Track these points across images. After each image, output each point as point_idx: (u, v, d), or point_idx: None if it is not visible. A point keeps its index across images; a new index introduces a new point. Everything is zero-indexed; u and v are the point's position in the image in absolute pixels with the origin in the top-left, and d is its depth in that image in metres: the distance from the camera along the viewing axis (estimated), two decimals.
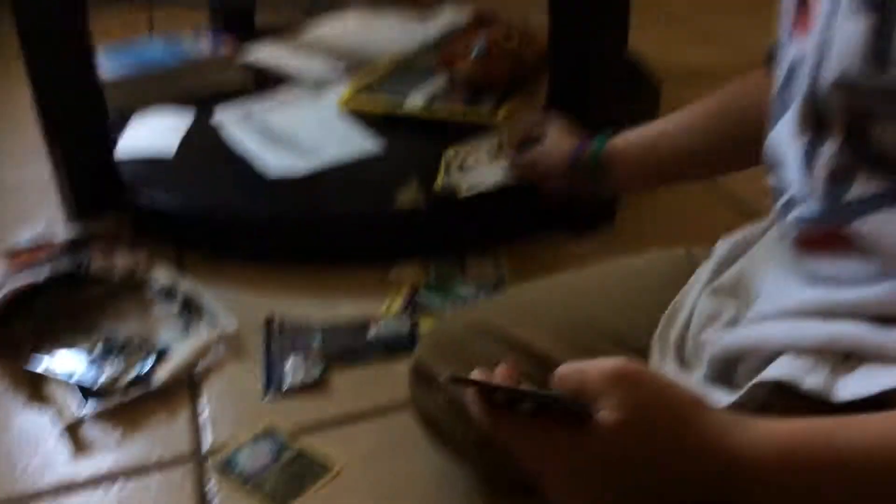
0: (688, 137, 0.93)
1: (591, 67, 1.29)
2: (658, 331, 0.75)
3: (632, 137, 1.00)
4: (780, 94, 0.65)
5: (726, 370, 0.65)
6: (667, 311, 0.76)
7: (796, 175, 0.60)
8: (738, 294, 0.71)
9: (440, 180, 1.34)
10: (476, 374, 0.57)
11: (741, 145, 0.84)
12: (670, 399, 0.50)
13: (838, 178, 0.56)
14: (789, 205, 0.62)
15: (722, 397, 0.62)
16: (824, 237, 0.59)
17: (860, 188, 0.55)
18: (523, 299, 0.89)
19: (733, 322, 0.69)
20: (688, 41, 2.15)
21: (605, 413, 0.49)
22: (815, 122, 0.57)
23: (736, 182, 1.48)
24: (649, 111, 1.58)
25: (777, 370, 0.58)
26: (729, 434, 0.49)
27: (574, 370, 0.51)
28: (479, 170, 1.33)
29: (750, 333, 0.63)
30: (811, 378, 0.56)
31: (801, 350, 0.58)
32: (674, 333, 0.74)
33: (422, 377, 0.86)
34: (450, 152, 1.39)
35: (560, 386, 0.51)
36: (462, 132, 1.45)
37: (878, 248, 0.55)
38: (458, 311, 1.06)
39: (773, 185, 0.66)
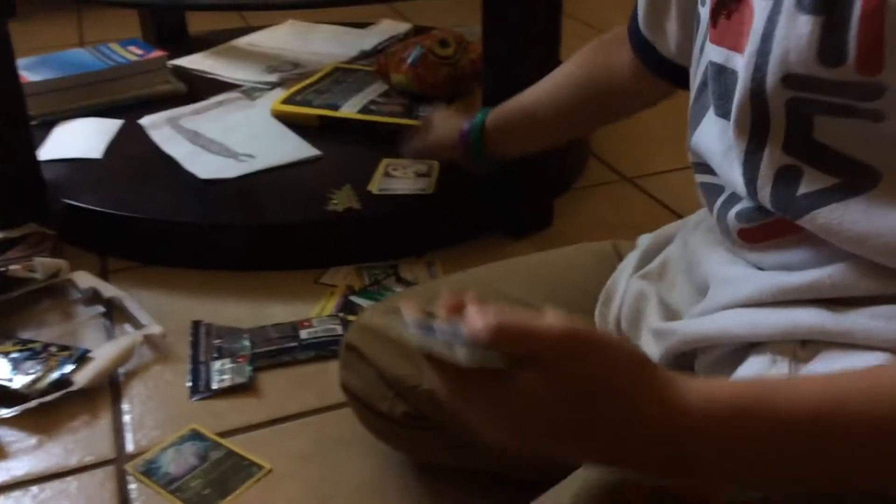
0: (555, 107, 1.00)
1: (524, 75, 1.30)
2: (597, 309, 0.76)
3: (507, 108, 1.07)
4: (698, 99, 0.65)
5: (684, 361, 0.65)
6: (602, 294, 0.77)
7: (738, 176, 0.59)
8: (664, 278, 0.74)
9: (375, 185, 1.33)
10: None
11: (605, 110, 0.99)
12: (623, 359, 0.48)
13: (785, 176, 0.56)
14: (729, 203, 0.62)
15: None
16: (768, 232, 0.59)
17: (809, 184, 0.55)
18: (455, 282, 0.88)
19: (666, 306, 0.70)
20: None
21: (556, 373, 0.46)
22: (755, 123, 0.57)
23: (668, 187, 1.51)
24: None
25: (745, 371, 0.58)
26: (682, 393, 0.48)
27: (520, 326, 0.47)
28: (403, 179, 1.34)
29: (709, 325, 0.62)
30: (775, 371, 0.56)
31: (761, 340, 0.58)
32: (611, 314, 0.75)
33: (352, 355, 0.86)
34: (385, 161, 1.39)
35: (503, 339, 0.47)
36: (396, 141, 1.44)
37: (834, 238, 0.54)
38: (384, 300, 1.05)
39: (703, 184, 0.66)
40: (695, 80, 0.67)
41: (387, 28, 1.99)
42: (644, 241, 0.80)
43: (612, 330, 0.74)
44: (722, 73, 0.60)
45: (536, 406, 0.47)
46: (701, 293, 0.67)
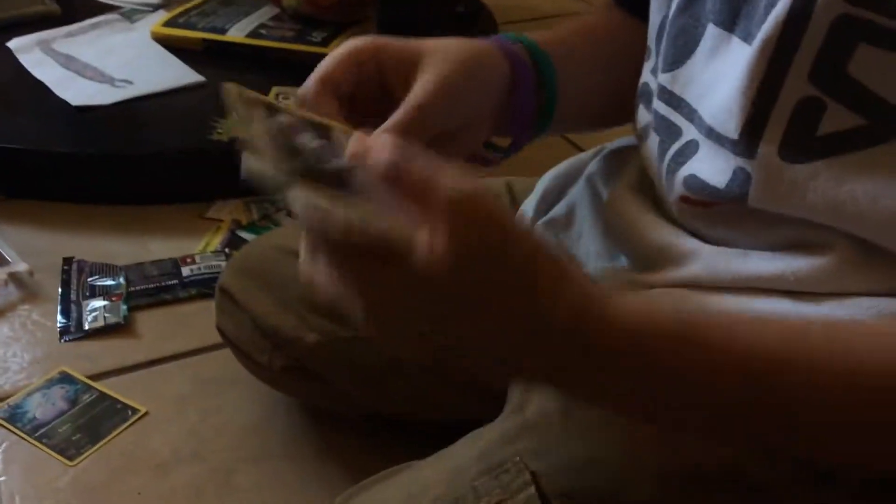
0: (604, 61, 0.68)
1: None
2: None
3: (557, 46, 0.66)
4: (683, 12, 0.56)
5: None
6: None
7: (738, 109, 0.50)
8: (571, 227, 0.67)
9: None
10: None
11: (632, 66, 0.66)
12: (527, 240, 0.42)
13: (806, 111, 0.48)
14: (682, 156, 0.55)
15: None
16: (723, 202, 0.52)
17: (831, 123, 0.47)
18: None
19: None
20: None
21: (446, 242, 0.39)
22: (784, 44, 0.48)
23: None
24: None
25: None
26: (601, 293, 0.42)
27: (420, 175, 0.39)
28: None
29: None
30: None
31: None
32: None
33: (226, 300, 0.81)
34: (275, 90, 1.32)
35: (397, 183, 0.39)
36: (289, 67, 1.37)
37: (837, 208, 0.48)
38: (265, 235, 1.00)
39: (660, 125, 0.58)
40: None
41: None
42: (544, 180, 0.71)
43: None
44: None
45: (425, 287, 0.40)
46: (617, 255, 0.61)
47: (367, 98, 0.55)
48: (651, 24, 0.61)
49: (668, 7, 0.58)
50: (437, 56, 0.55)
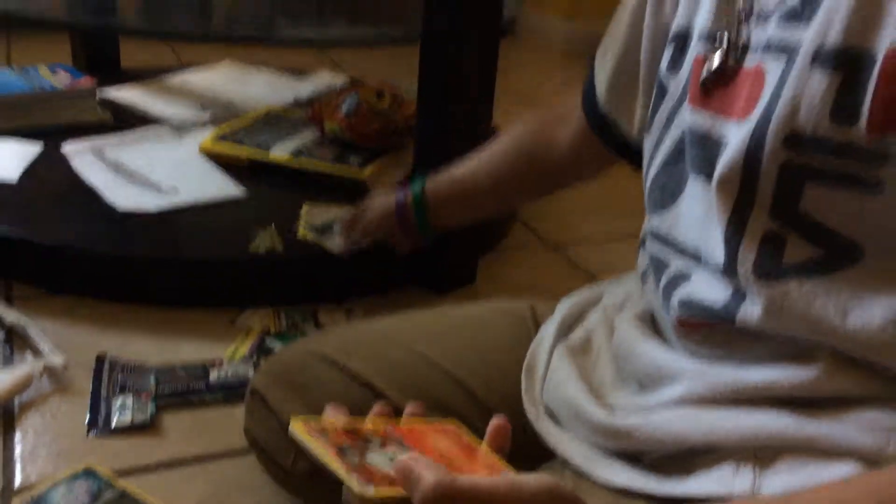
0: (494, 179, 1.01)
1: (455, 136, 1.31)
2: (523, 388, 0.73)
3: (445, 177, 1.07)
4: (669, 165, 0.65)
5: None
6: (524, 368, 0.74)
7: (717, 243, 0.58)
8: (589, 354, 0.72)
9: (301, 230, 1.31)
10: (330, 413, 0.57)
11: (543, 183, 1.00)
12: None
13: (770, 242, 0.55)
14: (674, 283, 0.62)
15: (619, 473, 0.61)
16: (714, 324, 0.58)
17: (793, 254, 0.54)
18: (364, 332, 0.86)
19: (589, 383, 0.69)
20: None
21: None
22: (743, 187, 0.55)
23: (589, 255, 1.53)
24: None
25: (705, 483, 0.57)
26: None
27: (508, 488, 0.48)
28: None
29: (662, 429, 0.60)
30: (739, 483, 0.55)
31: (718, 446, 0.57)
32: (537, 390, 0.72)
33: (257, 402, 0.83)
34: (305, 207, 1.37)
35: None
36: (326, 188, 1.44)
37: (809, 321, 0.54)
38: (300, 341, 1.03)
39: (653, 258, 0.66)
40: (659, 148, 0.66)
41: (324, 79, 1.99)
42: (563, 306, 0.79)
43: (544, 412, 0.71)
44: (706, 138, 0.60)
45: None
46: (628, 379, 0.66)
47: None
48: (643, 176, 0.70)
49: (654, 161, 0.67)
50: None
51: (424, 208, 1.07)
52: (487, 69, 1.30)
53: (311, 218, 1.32)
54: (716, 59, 0.60)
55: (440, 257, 1.35)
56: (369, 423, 0.58)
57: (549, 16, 2.84)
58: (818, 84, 0.51)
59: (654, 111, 0.68)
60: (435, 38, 1.25)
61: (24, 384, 1.04)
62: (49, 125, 1.58)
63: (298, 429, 0.53)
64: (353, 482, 0.49)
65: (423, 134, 1.35)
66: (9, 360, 1.09)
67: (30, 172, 1.43)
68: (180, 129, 1.62)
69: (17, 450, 0.96)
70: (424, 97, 1.31)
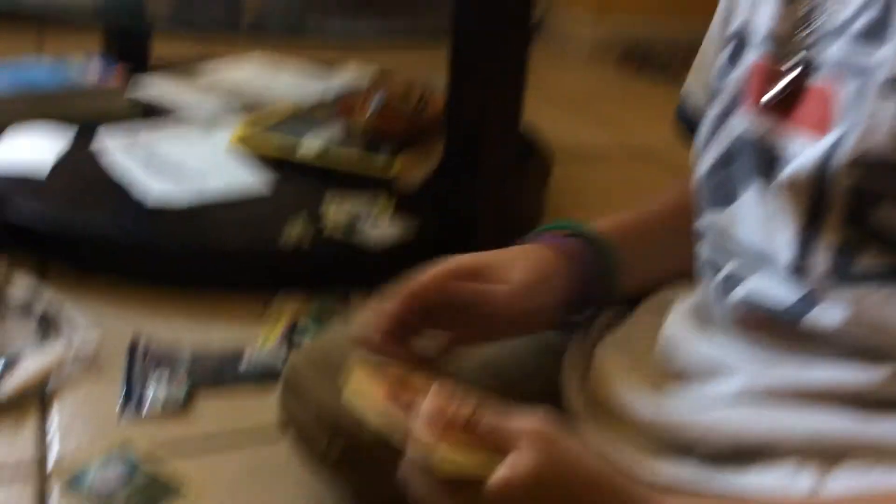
0: (670, 229, 0.79)
1: (484, 135, 1.32)
2: (565, 381, 0.73)
3: (606, 223, 0.79)
4: (722, 168, 0.65)
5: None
6: (565, 364, 0.74)
7: (784, 245, 0.58)
8: (635, 346, 0.72)
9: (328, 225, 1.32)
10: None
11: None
12: (583, 465, 0.51)
13: (844, 250, 0.55)
14: (730, 282, 0.62)
15: (667, 468, 0.60)
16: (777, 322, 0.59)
17: (867, 260, 0.54)
18: None
19: (634, 372, 0.68)
20: (583, 125, 2.24)
21: (515, 465, 0.49)
22: (813, 200, 0.56)
23: None
24: (539, 183, 1.62)
25: (766, 482, 0.56)
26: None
27: (494, 425, 0.52)
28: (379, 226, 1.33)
29: (728, 425, 0.59)
30: (800, 482, 0.54)
31: (780, 445, 0.57)
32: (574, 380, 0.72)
33: (291, 386, 0.83)
34: (329, 199, 1.38)
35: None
36: (354, 180, 1.45)
37: (878, 326, 0.54)
38: (336, 327, 1.03)
39: (709, 259, 0.66)
40: (709, 149, 0.66)
41: (353, 72, 2.00)
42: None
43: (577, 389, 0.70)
44: (764, 144, 0.60)
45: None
46: (678, 373, 0.66)
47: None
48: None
49: (703, 161, 0.67)
50: (516, 267, 0.71)
51: (612, 256, 0.75)
52: (518, 67, 1.30)
53: (337, 214, 1.34)
54: (784, 80, 0.59)
55: (471, 244, 1.35)
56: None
57: (578, 14, 2.84)
58: (892, 108, 0.51)
59: (709, 104, 0.68)
60: (466, 36, 1.26)
61: (59, 365, 1.05)
62: (80, 118, 1.60)
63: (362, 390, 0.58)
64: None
65: (451, 134, 1.36)
66: (44, 341, 1.11)
67: (62, 163, 1.44)
68: (210, 122, 1.63)
69: (52, 430, 0.98)
70: (453, 96, 1.32)
